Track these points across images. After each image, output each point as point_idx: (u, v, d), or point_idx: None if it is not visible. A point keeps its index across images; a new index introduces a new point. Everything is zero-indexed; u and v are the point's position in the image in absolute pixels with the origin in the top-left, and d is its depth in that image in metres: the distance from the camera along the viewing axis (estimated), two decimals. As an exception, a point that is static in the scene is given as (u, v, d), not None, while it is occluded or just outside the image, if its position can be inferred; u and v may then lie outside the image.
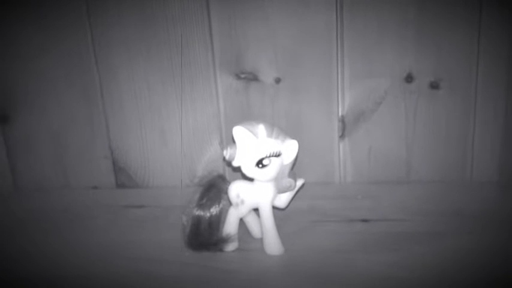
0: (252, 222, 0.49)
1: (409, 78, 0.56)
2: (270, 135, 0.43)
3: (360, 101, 0.57)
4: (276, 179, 0.45)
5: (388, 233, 0.48)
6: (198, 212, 0.46)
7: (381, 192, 0.57)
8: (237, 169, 0.45)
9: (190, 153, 0.61)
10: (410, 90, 0.56)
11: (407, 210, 0.53)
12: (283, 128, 0.45)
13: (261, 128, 0.43)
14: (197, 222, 0.46)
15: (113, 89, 0.59)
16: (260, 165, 0.43)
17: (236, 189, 0.46)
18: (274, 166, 0.43)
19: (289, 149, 0.43)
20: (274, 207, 0.46)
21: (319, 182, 0.59)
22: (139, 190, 0.62)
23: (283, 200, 0.46)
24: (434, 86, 0.56)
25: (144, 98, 0.59)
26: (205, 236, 0.46)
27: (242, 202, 0.46)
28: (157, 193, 0.60)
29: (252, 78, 0.57)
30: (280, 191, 0.45)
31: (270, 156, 0.43)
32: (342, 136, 0.58)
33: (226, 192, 0.46)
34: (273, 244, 0.46)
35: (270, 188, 0.45)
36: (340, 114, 0.57)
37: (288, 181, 0.44)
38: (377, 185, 0.58)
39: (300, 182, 0.46)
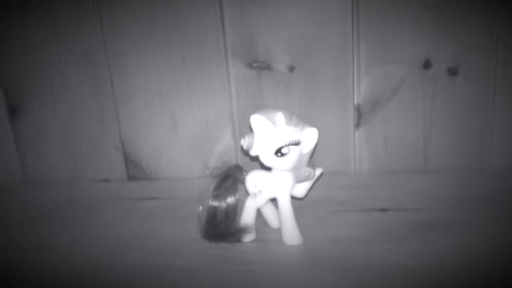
0: (269, 213, 0.48)
1: (426, 65, 0.54)
2: (288, 123, 0.42)
3: (376, 89, 0.55)
4: (295, 168, 0.44)
5: (408, 223, 0.48)
6: (214, 203, 0.45)
7: (399, 182, 0.56)
8: (255, 158, 0.44)
9: (203, 144, 0.59)
10: (427, 77, 0.54)
11: (426, 199, 0.52)
12: (299, 116, 0.43)
13: (279, 116, 0.41)
14: (213, 212, 0.45)
15: (123, 81, 0.58)
16: (279, 154, 0.42)
17: (254, 179, 0.45)
18: (293, 155, 0.42)
19: (309, 137, 0.42)
20: (292, 197, 0.45)
21: (334, 171, 0.57)
22: (152, 182, 0.60)
23: (301, 189, 0.45)
24: (452, 72, 0.54)
25: (154, 89, 0.58)
26: (222, 226, 0.45)
27: (260, 192, 0.45)
28: (169, 185, 0.59)
29: (265, 67, 0.55)
30: (299, 180, 0.44)
31: (289, 145, 0.42)
32: (357, 125, 0.57)
33: (242, 182, 0.45)
34: (291, 234, 0.45)
35: (289, 178, 0.44)
36: (355, 102, 0.56)
37: (307, 170, 0.43)
38: (394, 174, 0.57)
39: (318, 171, 0.45)
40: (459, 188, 0.53)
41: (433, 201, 0.51)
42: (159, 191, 0.58)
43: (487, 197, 0.51)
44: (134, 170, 0.61)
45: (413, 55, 0.54)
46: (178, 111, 0.58)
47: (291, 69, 0.56)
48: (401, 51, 0.54)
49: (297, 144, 0.42)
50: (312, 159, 0.45)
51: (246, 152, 0.43)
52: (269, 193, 0.45)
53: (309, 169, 0.44)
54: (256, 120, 0.42)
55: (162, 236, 0.48)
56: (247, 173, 0.45)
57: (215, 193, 0.45)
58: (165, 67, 0.57)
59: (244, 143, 0.42)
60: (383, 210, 0.50)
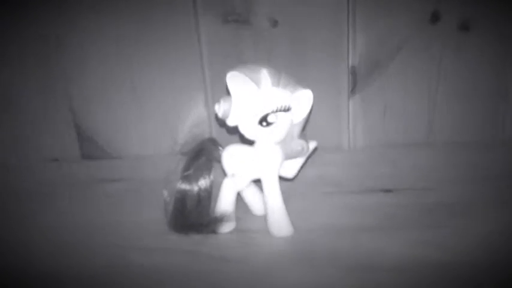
0: (252, 197, 0.41)
1: (434, 19, 0.48)
2: (276, 83, 0.34)
3: (375, 48, 0.49)
4: (284, 142, 0.36)
5: (416, 205, 0.42)
6: (184, 186, 0.39)
7: (400, 157, 0.50)
8: (233, 130, 0.36)
9: (171, 116, 0.53)
10: (435, 34, 0.48)
11: (433, 177, 0.47)
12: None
13: (264, 74, 0.34)
14: (183, 198, 0.39)
15: (74, 44, 0.50)
16: (264, 123, 0.35)
17: (232, 156, 0.38)
18: (282, 124, 0.35)
19: (301, 101, 0.35)
20: (280, 178, 0.38)
21: (325, 146, 0.50)
22: (111, 162, 0.53)
23: (292, 167, 0.38)
24: (464, 27, 0.48)
25: (112, 52, 0.50)
26: (193, 214, 0.39)
27: (240, 172, 0.38)
28: (132, 164, 0.52)
29: (243, 21, 0.48)
30: (289, 156, 0.37)
31: (276, 111, 0.35)
32: (352, 91, 0.51)
33: (218, 160, 0.39)
34: (279, 223, 0.38)
35: (277, 153, 0.37)
36: (350, 64, 0.50)
37: (299, 143, 0.37)
38: (394, 148, 0.51)
39: (312, 145, 0.38)
40: (469, 163, 0.48)
41: (442, 179, 0.46)
42: (120, 172, 0.51)
43: (502, 172, 0.46)
44: (90, 148, 0.54)
45: (419, 7, 0.48)
46: (139, 78, 0.51)
47: (274, 24, 0.49)
48: (404, 2, 0.48)
49: (286, 110, 0.35)
50: (305, 130, 0.38)
51: (221, 122, 0.36)
52: (252, 173, 0.38)
53: (302, 142, 0.37)
54: (235, 79, 0.34)
55: (122, 227, 0.41)
56: (223, 148, 0.38)
57: (185, 174, 0.39)
58: (124, 27, 0.49)
59: (219, 109, 0.35)
60: (385, 191, 0.45)
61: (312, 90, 0.45)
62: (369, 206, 0.42)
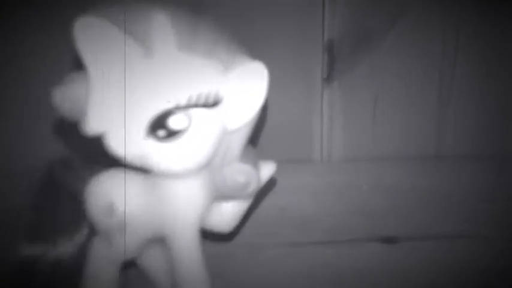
0: (156, 263, 0.24)
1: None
2: (187, 43, 0.18)
3: (362, 13, 0.39)
4: (213, 169, 0.21)
5: (445, 265, 0.27)
6: (25, 250, 0.24)
7: (401, 178, 0.37)
8: (98, 147, 0.19)
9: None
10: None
11: (461, 210, 0.32)
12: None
13: (159, 23, 0.18)
14: (28, 273, 0.24)
15: None
16: (161, 133, 0.19)
17: (107, 193, 0.21)
18: (201, 134, 0.19)
19: (245, 85, 0.19)
20: (203, 232, 0.22)
21: (288, 159, 0.40)
22: None
23: (227, 215, 0.22)
24: None
25: None
26: None
27: (120, 225, 0.21)
28: None
29: None
30: (223, 193, 0.22)
31: (188, 106, 0.18)
32: (328, 78, 0.41)
33: (83, 201, 0.21)
34: None
35: (196, 191, 0.21)
36: (325, 37, 0.40)
37: (242, 172, 0.21)
38: (389, 162, 0.39)
39: (267, 172, 0.22)
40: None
41: (471, 216, 0.32)
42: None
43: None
44: None
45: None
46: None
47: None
48: None
49: (210, 105, 0.19)
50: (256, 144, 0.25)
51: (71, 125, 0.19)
52: (147, 227, 0.21)
53: (247, 169, 0.21)
54: (92, 34, 0.17)
55: None
56: (92, 174, 0.22)
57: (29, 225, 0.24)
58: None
59: (57, 101, 0.18)
60: (385, 240, 0.29)
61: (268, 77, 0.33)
62: (364, 272, 0.26)
